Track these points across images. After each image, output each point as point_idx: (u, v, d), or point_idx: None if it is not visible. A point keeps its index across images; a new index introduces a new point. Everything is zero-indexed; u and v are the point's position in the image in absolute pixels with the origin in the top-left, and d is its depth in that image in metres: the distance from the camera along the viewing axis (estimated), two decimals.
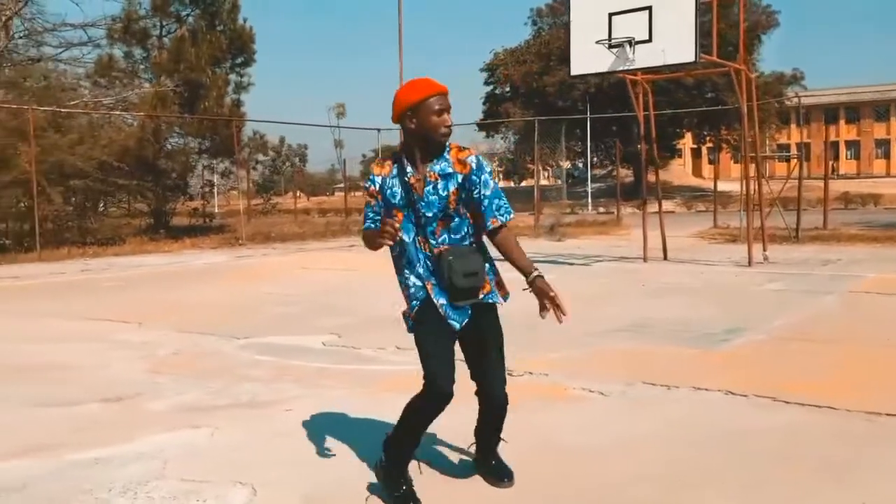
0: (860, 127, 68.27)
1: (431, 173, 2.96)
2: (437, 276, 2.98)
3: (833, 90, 65.55)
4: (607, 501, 3.16)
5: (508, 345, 3.18)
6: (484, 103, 43.18)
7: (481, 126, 40.92)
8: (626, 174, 38.70)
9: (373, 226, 3.07)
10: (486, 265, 3.05)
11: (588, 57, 10.98)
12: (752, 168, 12.55)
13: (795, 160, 17.83)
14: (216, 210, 30.20)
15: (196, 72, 20.47)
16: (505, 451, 3.35)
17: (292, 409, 4.43)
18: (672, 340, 6.26)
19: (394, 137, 23.73)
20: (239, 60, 22.58)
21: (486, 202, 2.99)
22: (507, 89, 41.37)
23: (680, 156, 55.70)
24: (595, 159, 41.86)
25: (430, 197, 2.96)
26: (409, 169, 2.98)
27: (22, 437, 4.06)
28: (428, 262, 3.00)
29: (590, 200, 33.85)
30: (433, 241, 2.99)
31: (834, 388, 4.70)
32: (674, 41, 10.17)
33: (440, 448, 3.68)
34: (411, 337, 3.09)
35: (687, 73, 14.11)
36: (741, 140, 12.90)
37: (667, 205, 30.41)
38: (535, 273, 3.00)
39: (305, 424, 4.14)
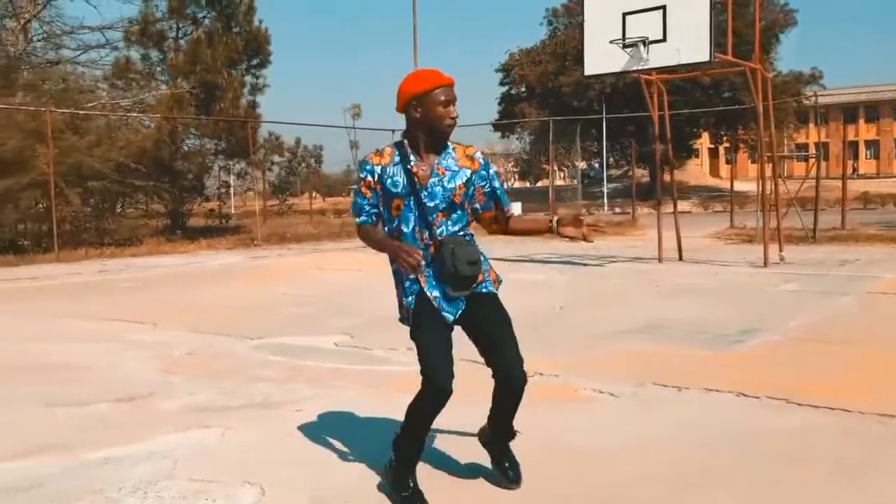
0: (879, 126, 67.56)
1: (440, 167, 3.00)
2: (437, 265, 2.98)
3: (852, 89, 64.90)
4: (616, 502, 3.15)
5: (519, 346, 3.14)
6: (499, 104, 43.10)
7: (496, 126, 40.85)
8: (642, 174, 38.54)
9: (369, 221, 3.07)
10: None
11: (602, 57, 10.94)
12: (768, 168, 12.47)
13: (813, 160, 17.68)
14: (232, 211, 30.37)
15: (212, 73, 20.59)
16: (514, 451, 3.33)
17: (303, 409, 4.44)
18: (685, 341, 6.22)
19: None
20: (254, 62, 22.69)
21: (499, 193, 3.14)
22: (523, 89, 41.26)
23: (697, 156, 55.42)
24: (611, 159, 41.72)
25: (435, 188, 2.99)
26: (412, 157, 2.99)
27: (33, 436, 4.09)
28: (427, 252, 2.99)
29: (605, 201, 33.72)
30: (433, 232, 3.00)
31: (848, 389, 4.66)
32: (688, 40, 10.12)
33: (446, 448, 3.67)
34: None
35: (703, 73, 14.05)
36: (758, 140, 12.80)
37: (683, 205, 30.31)
38: (552, 220, 3.08)
39: (316, 425, 4.15)
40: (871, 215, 23.60)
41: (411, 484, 3.10)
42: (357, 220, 3.10)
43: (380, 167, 3.02)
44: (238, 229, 22.42)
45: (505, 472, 3.25)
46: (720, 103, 34.50)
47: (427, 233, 3.00)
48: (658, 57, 10.47)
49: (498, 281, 3.17)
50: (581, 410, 4.39)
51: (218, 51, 20.79)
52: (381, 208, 3.07)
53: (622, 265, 12.30)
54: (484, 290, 3.07)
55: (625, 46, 10.60)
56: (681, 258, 12.40)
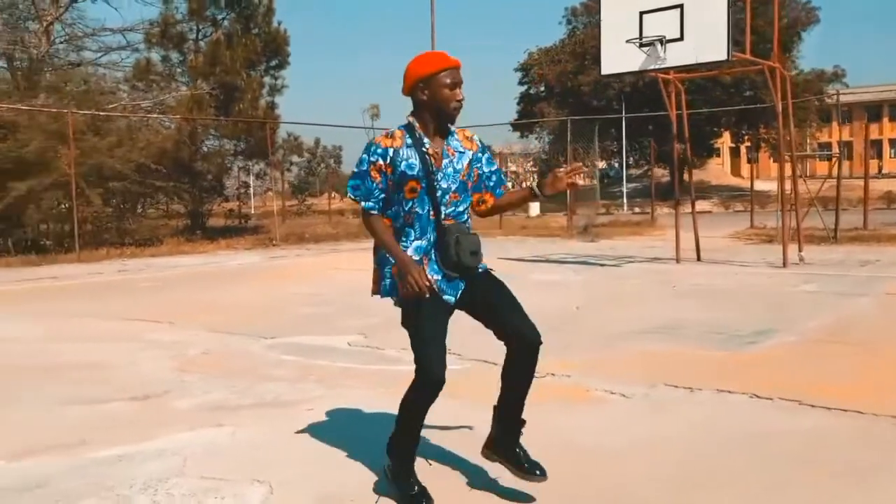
0: None
1: (450, 148, 3.03)
2: (442, 250, 2.97)
3: (876, 87, 64.03)
4: (624, 502, 3.14)
5: None
6: (518, 103, 43.06)
7: (515, 126, 40.81)
8: (662, 174, 38.34)
9: (376, 207, 3.02)
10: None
11: (619, 56, 10.89)
12: (788, 167, 12.35)
13: (835, 159, 17.50)
14: (252, 211, 30.56)
15: (231, 75, 20.74)
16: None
17: (314, 408, 4.47)
18: (700, 342, 6.18)
19: None
20: (273, 63, 22.81)
21: (496, 170, 3.19)
22: (542, 89, 41.19)
23: (718, 155, 54.98)
24: (631, 159, 41.50)
25: (447, 169, 3.01)
26: (426, 140, 2.99)
27: (48, 434, 4.14)
28: (434, 235, 2.99)
29: (625, 200, 33.58)
30: (444, 212, 3.00)
31: (863, 391, 4.61)
32: (705, 39, 10.05)
33: (454, 448, 3.68)
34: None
35: (721, 72, 13.94)
36: (778, 139, 12.69)
37: (704, 205, 30.14)
38: (533, 186, 3.08)
39: (326, 424, 4.18)
40: (895, 215, 23.31)
41: (415, 483, 3.10)
42: (364, 204, 3.02)
43: (392, 150, 2.97)
44: (257, 229, 22.57)
45: (528, 470, 3.03)
46: (741, 102, 34.23)
47: (440, 213, 2.99)
48: (675, 56, 10.41)
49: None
50: (592, 411, 4.38)
51: (237, 52, 20.93)
52: (391, 192, 3.02)
53: (639, 265, 12.24)
54: (480, 269, 3.07)
55: (642, 46, 10.54)
56: (699, 258, 12.32)
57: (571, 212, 22.01)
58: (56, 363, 5.95)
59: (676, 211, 12.98)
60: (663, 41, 10.36)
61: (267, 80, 22.78)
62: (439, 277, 2.98)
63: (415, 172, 2.95)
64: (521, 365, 2.98)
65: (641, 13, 10.54)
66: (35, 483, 3.43)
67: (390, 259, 3.01)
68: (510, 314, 2.97)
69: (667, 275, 10.83)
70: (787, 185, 12.30)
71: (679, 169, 13.67)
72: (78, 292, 10.59)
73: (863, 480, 3.28)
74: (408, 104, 3.08)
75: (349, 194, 3.07)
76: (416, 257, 2.97)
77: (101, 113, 18.16)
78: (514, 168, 53.62)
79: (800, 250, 11.90)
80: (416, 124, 3.01)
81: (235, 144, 22.60)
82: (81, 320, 8.02)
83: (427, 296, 2.89)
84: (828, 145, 52.90)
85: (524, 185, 3.01)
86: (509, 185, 3.17)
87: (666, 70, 11.37)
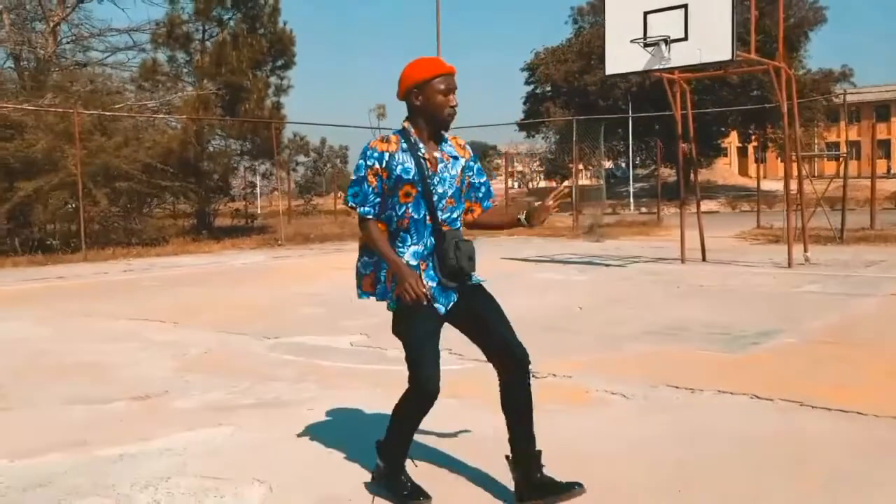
0: None
1: (444, 154, 3.03)
2: (440, 254, 2.97)
3: (884, 87, 63.76)
4: (625, 503, 3.14)
5: (531, 347, 3.10)
6: (524, 103, 43.04)
7: (522, 126, 40.77)
8: (669, 174, 38.24)
9: (372, 213, 2.99)
10: None
11: (624, 56, 10.89)
12: (794, 167, 12.31)
13: (842, 159, 17.43)
14: (258, 211, 30.62)
15: (237, 75, 20.78)
16: None
17: (314, 408, 4.48)
18: (702, 343, 6.17)
19: None
20: (279, 63, 22.85)
21: (485, 182, 3.18)
22: (548, 89, 41.14)
23: (726, 154, 54.79)
24: (637, 159, 41.42)
25: (443, 174, 3.01)
26: (421, 145, 3.00)
27: (50, 433, 4.17)
28: (431, 240, 2.99)
29: (632, 200, 33.51)
30: (440, 217, 2.99)
31: (865, 392, 4.60)
32: (710, 39, 10.03)
33: (451, 451, 3.68)
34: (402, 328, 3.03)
35: (726, 72, 13.87)
36: (784, 138, 12.64)
37: (711, 205, 30.06)
38: (521, 216, 3.06)
39: (326, 424, 4.19)
40: None
41: (407, 482, 3.11)
42: (361, 210, 2.99)
43: (387, 154, 2.97)
44: (263, 229, 22.61)
45: (563, 489, 3.00)
46: (748, 102, 34.11)
47: (436, 218, 2.98)
48: (680, 56, 10.39)
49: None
50: (591, 412, 4.38)
51: (243, 52, 20.97)
52: (385, 197, 3.00)
53: (644, 265, 12.22)
54: (473, 282, 3.07)
55: (646, 45, 10.54)
56: (704, 259, 12.30)
57: (577, 212, 21.99)
58: (60, 363, 5.98)
59: (682, 211, 12.96)
60: (668, 41, 10.35)
61: (273, 80, 22.84)
62: (434, 284, 2.98)
63: (410, 176, 2.95)
64: (516, 386, 2.99)
65: (646, 13, 10.53)
66: (38, 482, 3.46)
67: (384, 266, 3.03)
68: (497, 329, 2.99)
69: (671, 275, 10.81)
70: (794, 186, 12.27)
71: (685, 169, 13.62)
72: (83, 292, 10.64)
73: (860, 482, 3.27)
74: None
75: (349, 202, 3.04)
76: (413, 262, 2.97)
77: (108, 113, 18.23)
78: (520, 168, 53.57)
79: (805, 250, 11.86)
80: (412, 129, 3.01)
81: (241, 144, 22.67)
82: (86, 320, 8.05)
83: (424, 303, 2.89)
84: (836, 145, 52.70)
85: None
86: (498, 200, 3.15)
87: (670, 70, 11.36)
